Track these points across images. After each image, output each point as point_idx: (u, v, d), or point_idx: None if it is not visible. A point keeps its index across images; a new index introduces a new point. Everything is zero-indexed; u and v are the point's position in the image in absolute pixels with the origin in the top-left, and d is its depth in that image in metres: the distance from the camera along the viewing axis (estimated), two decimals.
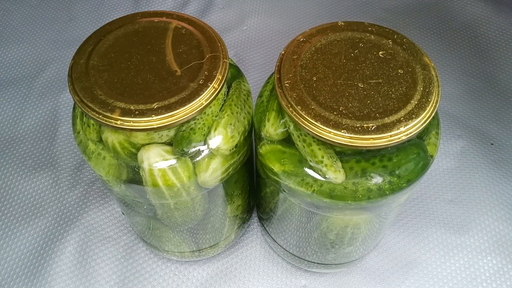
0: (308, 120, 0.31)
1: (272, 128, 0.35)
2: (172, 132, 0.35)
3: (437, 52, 0.71)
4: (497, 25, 0.74)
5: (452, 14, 0.76)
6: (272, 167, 0.35)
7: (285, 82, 0.33)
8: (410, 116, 0.31)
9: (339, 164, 0.33)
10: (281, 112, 0.35)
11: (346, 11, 0.77)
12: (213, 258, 0.52)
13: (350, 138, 0.30)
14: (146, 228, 0.46)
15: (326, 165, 0.33)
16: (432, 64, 0.34)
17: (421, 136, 0.35)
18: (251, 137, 0.40)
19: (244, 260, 0.52)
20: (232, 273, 0.51)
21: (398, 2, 0.78)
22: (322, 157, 0.33)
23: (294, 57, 0.34)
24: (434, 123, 0.36)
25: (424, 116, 0.31)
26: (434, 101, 0.32)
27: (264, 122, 0.36)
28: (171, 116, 0.32)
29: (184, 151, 0.35)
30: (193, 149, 0.35)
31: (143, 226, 0.46)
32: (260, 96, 0.39)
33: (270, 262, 0.52)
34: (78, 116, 0.38)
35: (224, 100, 0.37)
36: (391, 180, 0.33)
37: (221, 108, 0.37)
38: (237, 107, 0.37)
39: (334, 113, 0.31)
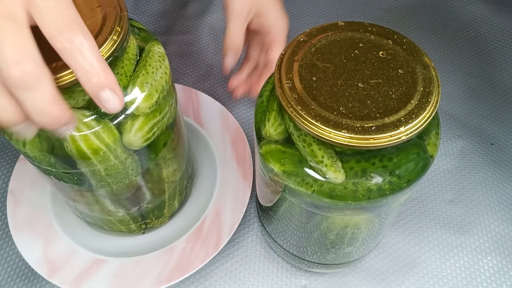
0: (308, 120, 0.31)
1: (272, 128, 0.35)
2: (88, 96, 0.35)
3: (437, 52, 0.71)
4: (497, 25, 0.74)
5: (452, 14, 0.76)
6: (272, 167, 0.35)
7: (285, 82, 0.33)
8: (410, 116, 0.31)
9: (339, 164, 0.33)
10: (281, 112, 0.35)
11: (346, 11, 0.77)
12: (212, 258, 0.52)
13: (350, 138, 0.30)
14: (86, 206, 0.46)
15: (326, 165, 0.33)
16: (432, 64, 0.34)
17: (421, 136, 0.35)
18: (172, 98, 0.41)
19: (244, 260, 0.52)
20: (232, 273, 0.51)
21: (398, 2, 0.78)
22: (322, 157, 0.33)
23: (294, 57, 0.34)
24: (434, 123, 0.36)
25: (424, 116, 0.31)
26: (434, 101, 0.32)
27: (264, 122, 0.36)
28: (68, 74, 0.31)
29: (103, 113, 0.35)
30: None
31: (82, 206, 0.47)
32: (260, 96, 0.39)
33: (270, 262, 0.52)
34: None
35: (137, 61, 0.38)
36: (391, 180, 0.33)
37: (135, 69, 0.38)
38: (152, 67, 0.38)
39: (334, 113, 0.31)
